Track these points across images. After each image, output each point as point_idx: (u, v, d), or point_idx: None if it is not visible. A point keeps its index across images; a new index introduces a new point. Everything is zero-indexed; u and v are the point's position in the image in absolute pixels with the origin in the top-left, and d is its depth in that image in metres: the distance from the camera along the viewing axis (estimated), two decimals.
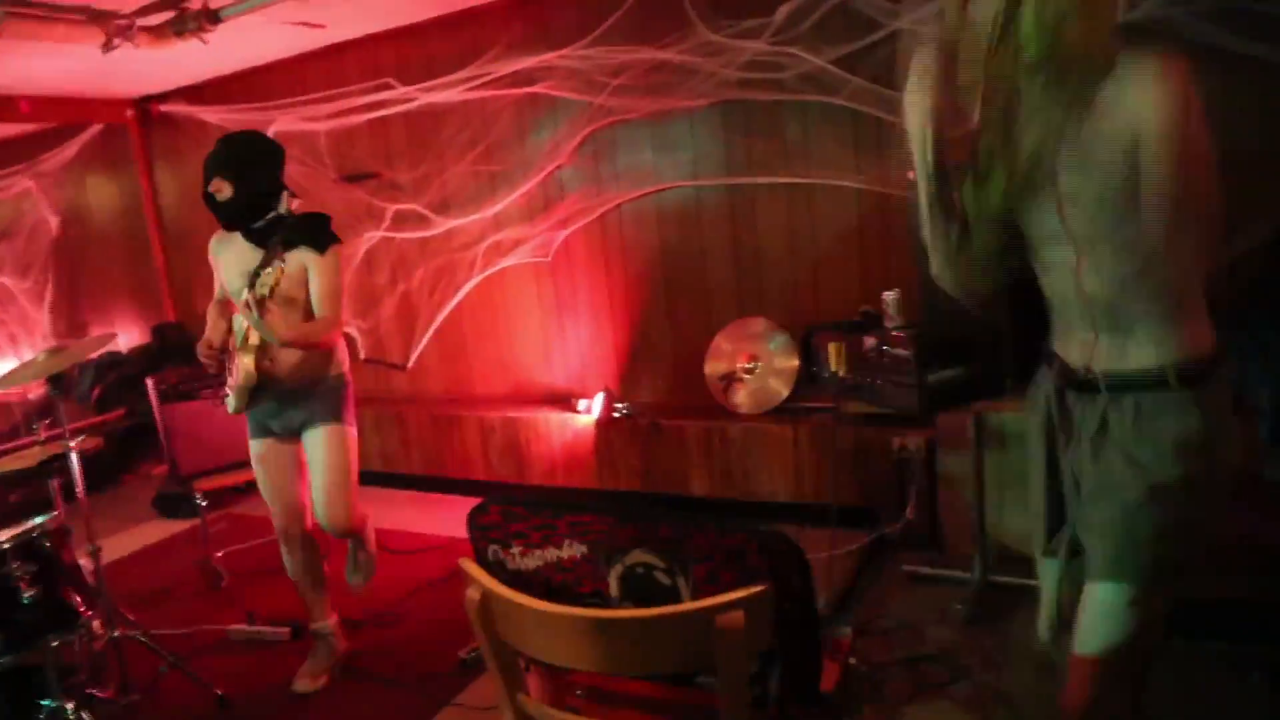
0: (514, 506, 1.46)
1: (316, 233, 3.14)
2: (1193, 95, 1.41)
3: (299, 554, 3.35)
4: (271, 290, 3.01)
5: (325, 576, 3.43)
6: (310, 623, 3.43)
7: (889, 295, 3.26)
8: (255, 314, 2.98)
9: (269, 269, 3.01)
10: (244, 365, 3.10)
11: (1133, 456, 1.55)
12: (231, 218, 3.13)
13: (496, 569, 1.53)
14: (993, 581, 3.53)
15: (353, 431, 3.31)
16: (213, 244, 3.30)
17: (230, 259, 3.19)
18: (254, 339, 3.09)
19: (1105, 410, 1.59)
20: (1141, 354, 1.55)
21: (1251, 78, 3.36)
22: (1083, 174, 1.48)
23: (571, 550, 1.42)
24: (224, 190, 3.05)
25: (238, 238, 3.16)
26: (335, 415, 3.24)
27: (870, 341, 3.16)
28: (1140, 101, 1.40)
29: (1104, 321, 1.58)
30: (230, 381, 3.25)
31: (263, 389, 3.17)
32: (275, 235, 3.09)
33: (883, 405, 3.21)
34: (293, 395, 3.22)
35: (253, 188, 3.07)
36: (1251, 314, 3.00)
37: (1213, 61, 3.44)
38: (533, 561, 1.47)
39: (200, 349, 3.24)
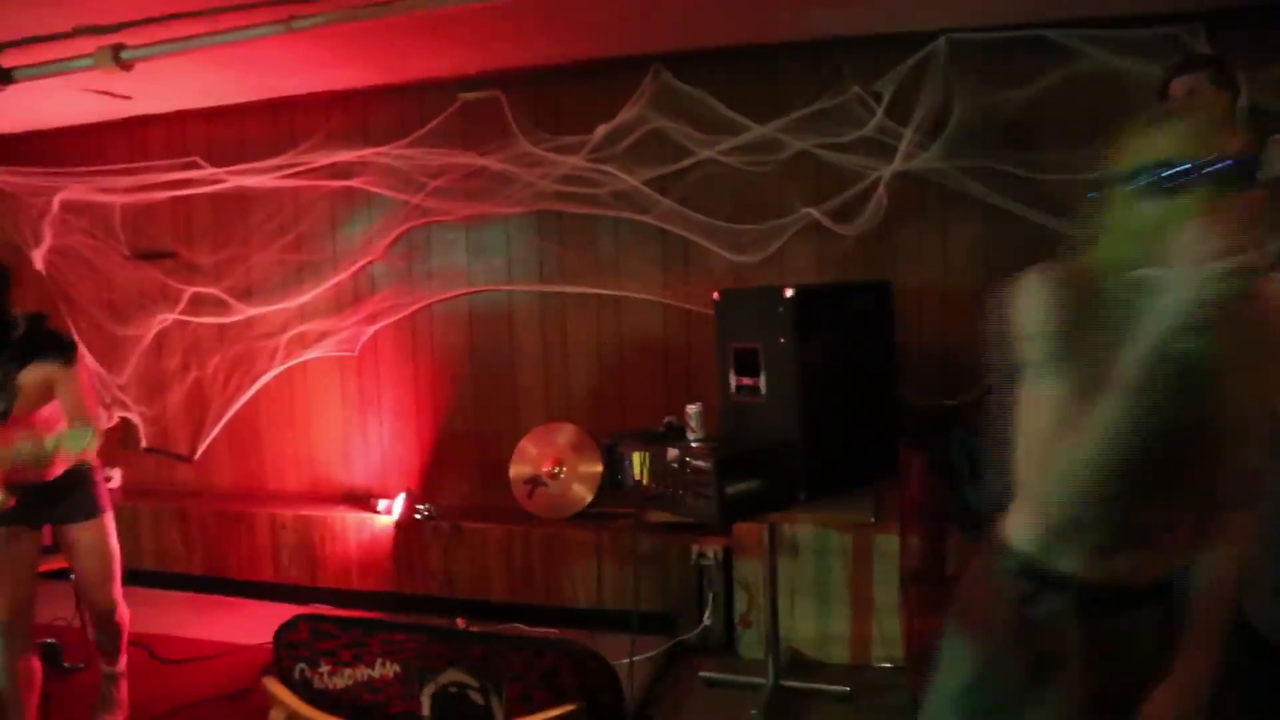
0: (324, 624, 1.42)
1: (58, 345, 3.11)
2: None
3: (7, 655, 3.04)
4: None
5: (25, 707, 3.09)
6: None
7: (691, 408, 3.40)
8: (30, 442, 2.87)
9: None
10: None
11: None
12: None
13: (301, 688, 1.48)
14: (785, 686, 3.67)
15: (111, 517, 3.30)
16: None
17: None
18: None
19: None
20: None
21: (1008, 228, 3.88)
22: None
23: (384, 669, 1.40)
24: None
25: None
26: (96, 507, 3.24)
27: (673, 453, 3.28)
28: None
29: None
30: None
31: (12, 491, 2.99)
32: (5, 353, 3.02)
33: (683, 514, 3.32)
34: (45, 490, 3.10)
35: None
36: None
37: (976, 212, 3.94)
38: (341, 681, 1.43)
39: None
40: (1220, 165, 1.33)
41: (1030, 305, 1.49)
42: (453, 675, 1.37)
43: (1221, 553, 1.59)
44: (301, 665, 1.47)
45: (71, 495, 3.19)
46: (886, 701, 3.53)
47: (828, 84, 4.12)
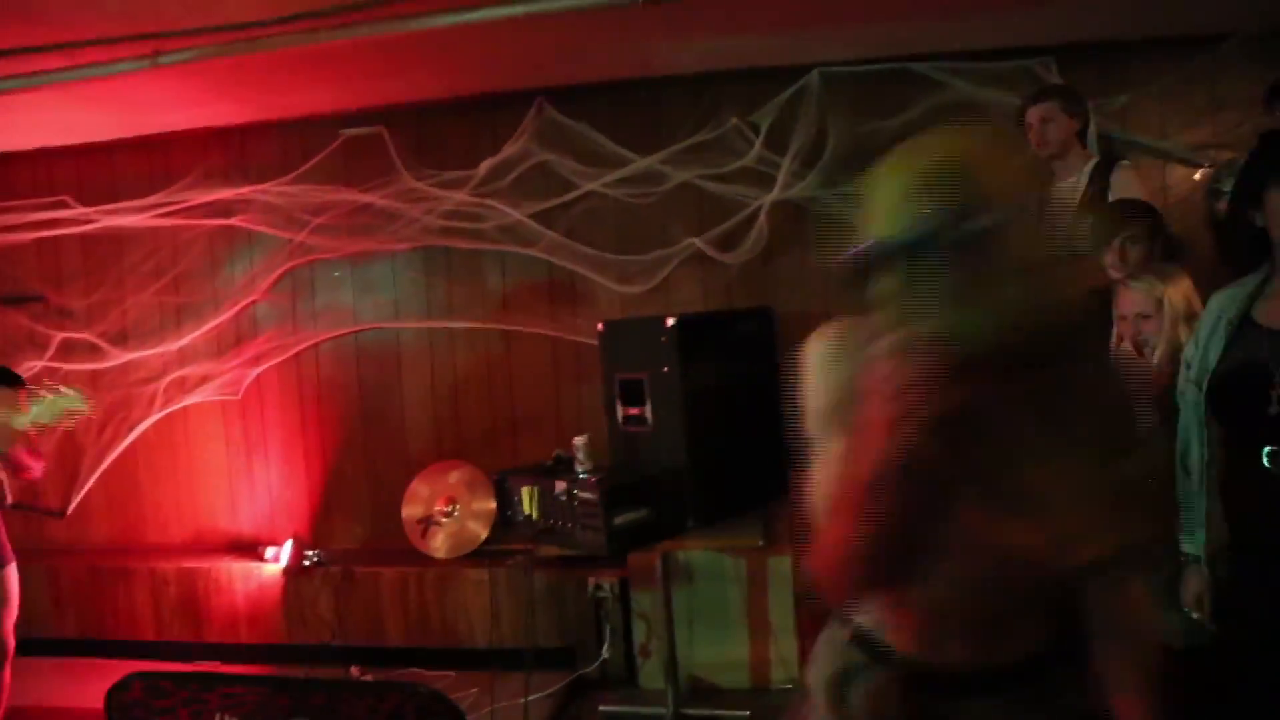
0: (159, 681, 1.36)
1: None
2: None
3: None
4: None
5: None
6: None
7: (578, 440, 3.39)
8: None
9: None
10: None
11: None
12: None
13: None
14: (685, 714, 3.66)
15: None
16: None
17: None
18: None
19: None
20: None
21: None
22: None
23: None
24: None
25: None
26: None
27: (560, 485, 3.26)
28: None
29: None
30: None
31: None
32: None
33: (573, 547, 3.31)
34: None
35: None
36: None
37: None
38: None
39: None
40: (889, 244, 1.22)
41: (810, 375, 1.44)
42: None
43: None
44: None
45: None
46: None
47: (708, 116, 4.20)
